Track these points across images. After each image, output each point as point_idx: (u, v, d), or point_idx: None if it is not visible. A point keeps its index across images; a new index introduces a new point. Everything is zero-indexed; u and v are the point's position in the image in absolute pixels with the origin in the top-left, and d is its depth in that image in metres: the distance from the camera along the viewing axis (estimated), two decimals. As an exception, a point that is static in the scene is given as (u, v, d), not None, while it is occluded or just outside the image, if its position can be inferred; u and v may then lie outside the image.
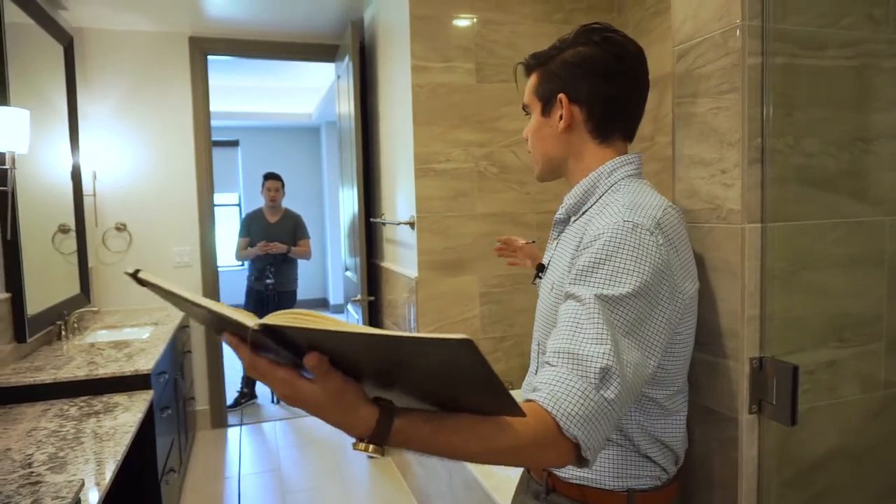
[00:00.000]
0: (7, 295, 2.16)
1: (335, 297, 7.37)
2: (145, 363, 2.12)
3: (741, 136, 0.97)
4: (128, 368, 2.06)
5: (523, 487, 1.08)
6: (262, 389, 4.36)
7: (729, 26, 0.99)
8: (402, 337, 0.50)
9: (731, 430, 1.01)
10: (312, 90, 5.89)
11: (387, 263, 3.14)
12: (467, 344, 0.49)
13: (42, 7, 2.64)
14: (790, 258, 1.03)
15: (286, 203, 4.42)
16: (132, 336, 2.81)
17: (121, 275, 3.46)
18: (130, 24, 3.39)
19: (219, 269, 3.77)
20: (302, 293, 4.80)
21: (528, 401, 0.72)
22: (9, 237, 2.13)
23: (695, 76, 1.07)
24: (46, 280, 2.54)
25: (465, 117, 2.45)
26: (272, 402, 4.27)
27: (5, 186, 2.09)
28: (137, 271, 0.63)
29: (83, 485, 1.26)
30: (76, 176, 3.03)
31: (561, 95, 0.95)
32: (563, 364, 0.74)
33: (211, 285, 3.69)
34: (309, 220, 4.55)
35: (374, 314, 3.37)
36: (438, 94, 2.42)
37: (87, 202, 3.24)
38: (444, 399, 0.63)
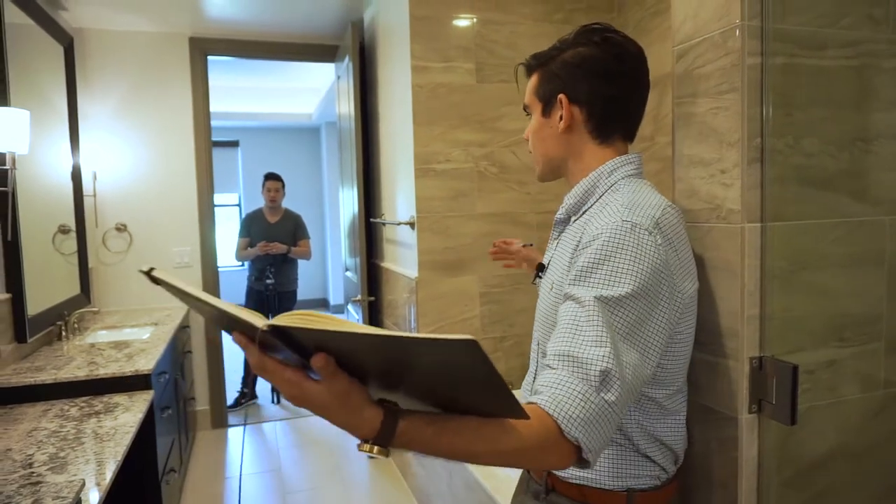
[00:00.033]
0: (7, 295, 2.16)
1: (335, 298, 7.37)
2: (146, 363, 2.12)
3: (741, 136, 0.98)
4: (128, 369, 2.06)
5: (523, 487, 1.08)
6: (262, 390, 4.36)
7: (728, 26, 0.99)
8: (407, 337, 0.50)
9: (730, 430, 1.02)
10: (312, 90, 5.89)
11: (387, 263, 3.14)
12: (472, 344, 0.49)
13: (42, 7, 2.64)
14: (790, 258, 1.04)
15: (286, 203, 4.42)
16: (132, 336, 2.82)
17: (121, 275, 3.47)
18: (130, 25, 3.39)
19: (219, 269, 3.78)
20: (302, 293, 4.80)
21: (530, 403, 0.72)
22: (9, 238, 2.13)
23: (694, 76, 1.07)
24: (47, 280, 2.54)
25: (465, 117, 2.45)
26: (272, 402, 4.28)
27: (6, 187, 2.09)
28: (152, 269, 0.65)
29: (84, 485, 1.26)
30: (76, 176, 3.03)
31: (561, 96, 0.96)
32: (564, 367, 0.74)
33: (211, 285, 3.69)
34: (309, 221, 4.56)
35: (374, 314, 3.37)
36: (438, 94, 2.42)
37: (88, 202, 3.24)
38: (448, 400, 0.64)
